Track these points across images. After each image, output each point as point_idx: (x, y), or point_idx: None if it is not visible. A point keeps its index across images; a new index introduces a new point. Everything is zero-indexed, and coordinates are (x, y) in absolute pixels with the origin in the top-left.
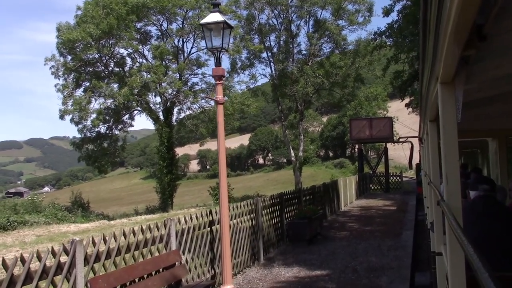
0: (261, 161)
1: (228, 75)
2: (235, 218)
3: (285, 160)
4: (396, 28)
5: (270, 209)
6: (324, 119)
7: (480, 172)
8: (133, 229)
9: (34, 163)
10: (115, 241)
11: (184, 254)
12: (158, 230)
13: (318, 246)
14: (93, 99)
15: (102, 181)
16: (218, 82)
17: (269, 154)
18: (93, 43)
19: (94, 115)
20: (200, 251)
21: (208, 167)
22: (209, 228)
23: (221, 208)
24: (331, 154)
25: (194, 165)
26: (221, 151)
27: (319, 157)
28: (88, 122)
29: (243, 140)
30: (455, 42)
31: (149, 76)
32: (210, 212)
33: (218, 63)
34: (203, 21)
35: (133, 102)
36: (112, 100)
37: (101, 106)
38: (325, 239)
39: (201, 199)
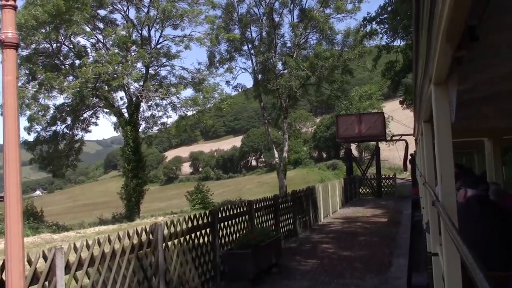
0: (253, 163)
1: (206, 69)
2: (101, 262)
3: (280, 162)
4: (390, 10)
5: (190, 236)
6: (318, 119)
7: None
8: None
9: (29, 166)
10: None
11: None
12: None
13: None
14: (42, 93)
15: (95, 184)
16: (4, 2)
17: (262, 156)
18: (44, 30)
19: (50, 112)
20: None
21: (200, 169)
22: None
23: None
24: (324, 155)
25: (186, 168)
26: (10, 131)
27: (312, 158)
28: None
29: (236, 141)
30: (448, 43)
31: (103, 66)
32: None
33: None
34: None
35: (92, 98)
36: (63, 94)
37: (50, 101)
38: (280, 275)
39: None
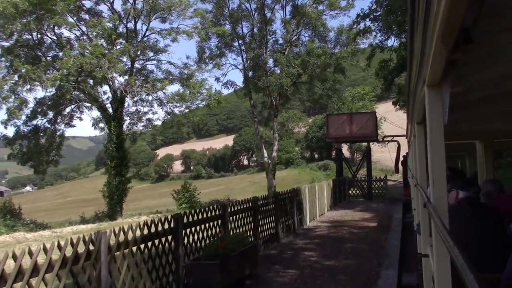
0: (245, 162)
1: (195, 65)
2: (17, 281)
3: (269, 161)
4: (385, 6)
5: (146, 245)
6: (311, 120)
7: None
8: None
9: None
10: None
11: None
12: None
13: None
14: (21, 86)
15: (86, 180)
16: None
17: (254, 155)
18: (25, 19)
19: (30, 106)
20: None
21: (192, 167)
22: None
23: None
24: (316, 155)
25: (178, 166)
26: None
27: (304, 159)
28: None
29: (228, 140)
30: (442, 45)
31: (84, 57)
32: None
33: None
34: None
35: (74, 91)
36: (43, 87)
37: (29, 94)
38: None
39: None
